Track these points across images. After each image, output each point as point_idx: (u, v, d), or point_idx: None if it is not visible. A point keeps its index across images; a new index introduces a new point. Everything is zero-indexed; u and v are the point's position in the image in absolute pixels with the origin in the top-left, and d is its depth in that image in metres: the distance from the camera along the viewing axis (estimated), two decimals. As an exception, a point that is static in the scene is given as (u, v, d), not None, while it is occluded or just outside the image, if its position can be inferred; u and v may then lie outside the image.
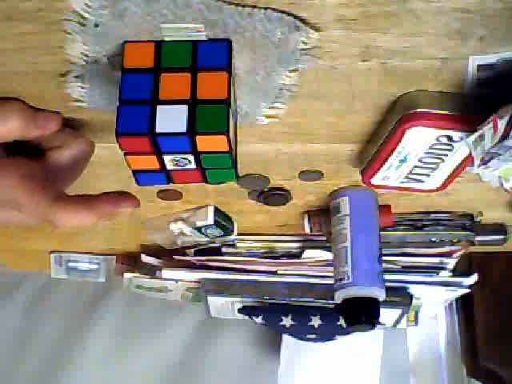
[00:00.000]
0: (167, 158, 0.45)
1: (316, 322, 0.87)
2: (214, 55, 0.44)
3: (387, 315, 0.86)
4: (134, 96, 0.44)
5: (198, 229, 0.73)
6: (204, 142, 0.44)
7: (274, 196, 0.69)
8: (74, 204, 0.50)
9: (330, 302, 0.83)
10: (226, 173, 0.48)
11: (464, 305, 0.96)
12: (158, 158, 0.45)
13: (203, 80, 0.44)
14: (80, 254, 0.93)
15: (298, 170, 0.65)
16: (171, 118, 0.43)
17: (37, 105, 0.52)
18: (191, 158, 0.45)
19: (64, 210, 0.49)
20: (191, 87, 0.44)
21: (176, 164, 0.46)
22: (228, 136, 0.43)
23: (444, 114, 0.52)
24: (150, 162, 0.46)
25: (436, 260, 0.81)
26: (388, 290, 0.67)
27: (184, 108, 0.43)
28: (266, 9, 0.43)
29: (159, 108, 0.43)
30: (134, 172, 0.47)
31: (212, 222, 0.72)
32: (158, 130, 0.43)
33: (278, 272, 0.82)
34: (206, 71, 0.44)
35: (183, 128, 0.43)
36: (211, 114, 0.43)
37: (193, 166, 0.46)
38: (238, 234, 0.79)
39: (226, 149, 0.44)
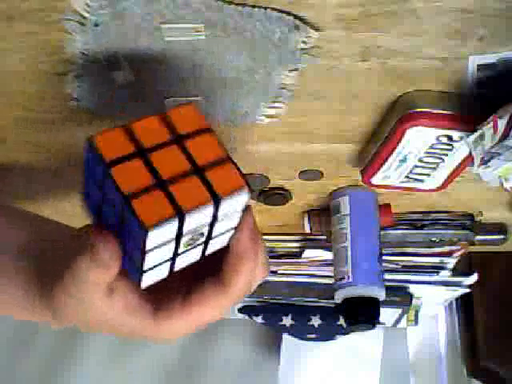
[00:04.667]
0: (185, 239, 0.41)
1: (316, 321, 0.87)
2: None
3: (387, 315, 0.86)
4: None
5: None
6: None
7: (274, 196, 0.69)
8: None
9: (330, 301, 0.83)
10: None
11: (464, 305, 0.96)
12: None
13: (193, 146, 0.40)
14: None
15: (298, 169, 0.65)
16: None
17: (37, 105, 0.53)
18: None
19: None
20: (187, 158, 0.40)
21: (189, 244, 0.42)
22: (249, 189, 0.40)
23: (444, 113, 0.52)
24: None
25: (436, 260, 0.81)
26: (388, 289, 0.67)
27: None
28: (265, 8, 0.43)
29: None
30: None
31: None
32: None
33: (278, 272, 0.82)
34: (191, 138, 0.40)
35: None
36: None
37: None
38: (238, 234, 0.78)
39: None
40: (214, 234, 0.41)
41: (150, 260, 0.39)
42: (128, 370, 0.94)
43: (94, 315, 0.41)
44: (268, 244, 0.82)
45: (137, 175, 0.38)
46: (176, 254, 0.41)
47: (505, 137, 0.48)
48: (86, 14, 0.44)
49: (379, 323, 0.70)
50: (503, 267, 0.94)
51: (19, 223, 0.48)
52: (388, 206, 0.72)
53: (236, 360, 0.94)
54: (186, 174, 0.39)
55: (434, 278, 0.81)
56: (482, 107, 0.51)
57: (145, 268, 0.40)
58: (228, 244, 0.43)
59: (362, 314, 0.66)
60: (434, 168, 0.59)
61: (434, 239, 0.77)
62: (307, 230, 0.75)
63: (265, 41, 0.46)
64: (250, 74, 0.50)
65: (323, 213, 0.73)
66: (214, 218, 0.40)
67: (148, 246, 0.38)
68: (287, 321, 0.87)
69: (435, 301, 0.88)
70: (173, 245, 0.40)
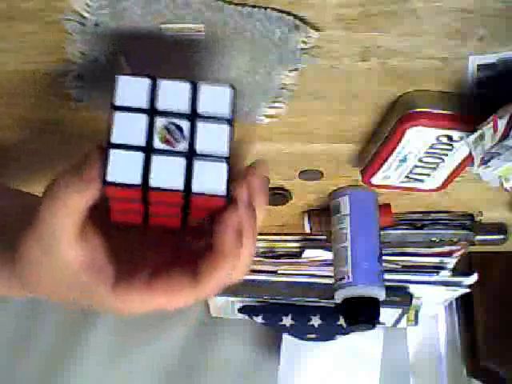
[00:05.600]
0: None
1: (316, 321, 0.87)
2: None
3: (387, 315, 0.86)
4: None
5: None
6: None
7: (274, 196, 0.69)
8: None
9: (330, 301, 0.83)
10: None
11: (464, 305, 0.96)
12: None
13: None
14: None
15: (298, 169, 0.65)
16: None
17: (37, 104, 0.53)
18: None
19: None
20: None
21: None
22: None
23: (444, 113, 0.52)
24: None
25: (436, 260, 0.81)
26: (388, 289, 0.67)
27: None
28: (265, 8, 0.43)
29: None
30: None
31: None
32: None
33: (278, 272, 0.82)
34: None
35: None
36: None
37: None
38: (238, 234, 0.78)
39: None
40: (197, 147, 0.38)
41: (120, 129, 0.38)
42: (128, 369, 0.93)
43: (56, 267, 0.40)
44: (268, 244, 0.82)
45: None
46: (150, 143, 0.38)
47: (505, 137, 0.48)
48: (86, 14, 0.44)
49: (379, 323, 0.70)
50: (503, 267, 0.94)
51: None
52: (388, 205, 0.72)
53: (236, 360, 0.94)
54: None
55: (434, 278, 0.81)
56: (482, 107, 0.51)
57: (114, 135, 0.38)
58: (208, 239, 0.40)
59: (362, 314, 0.66)
60: (434, 168, 0.59)
61: (434, 239, 0.77)
62: (307, 230, 0.75)
63: (265, 41, 0.46)
64: (250, 73, 0.50)
65: (323, 213, 0.73)
66: (193, 109, 0.39)
67: (118, 95, 0.39)
68: (287, 321, 0.87)
69: (435, 301, 0.88)
70: (145, 120, 0.38)
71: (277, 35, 0.46)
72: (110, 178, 0.37)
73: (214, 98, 0.39)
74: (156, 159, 0.38)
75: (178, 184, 0.38)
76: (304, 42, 0.46)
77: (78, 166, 0.39)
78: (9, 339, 0.94)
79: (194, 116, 0.39)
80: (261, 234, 0.81)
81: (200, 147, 0.38)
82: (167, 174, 0.38)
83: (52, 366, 0.93)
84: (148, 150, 0.38)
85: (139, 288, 0.41)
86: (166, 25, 0.45)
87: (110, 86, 0.43)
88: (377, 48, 0.47)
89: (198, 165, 0.38)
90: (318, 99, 0.53)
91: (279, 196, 0.70)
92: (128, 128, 0.38)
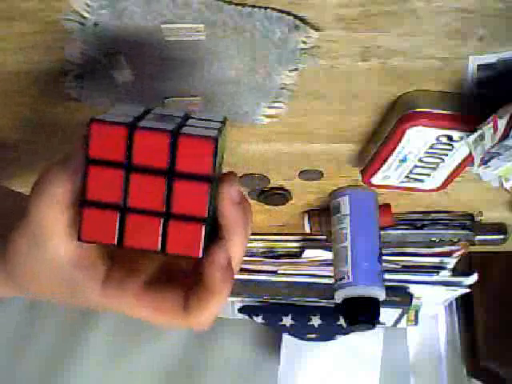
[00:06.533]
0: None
1: (316, 321, 0.87)
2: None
3: (387, 315, 0.86)
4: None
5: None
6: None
7: (274, 196, 0.69)
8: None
9: (330, 301, 0.83)
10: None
11: (464, 305, 0.97)
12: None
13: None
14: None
15: (298, 169, 0.65)
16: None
17: (37, 104, 0.53)
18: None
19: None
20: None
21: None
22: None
23: (444, 113, 0.52)
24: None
25: (436, 260, 0.81)
26: (388, 289, 0.67)
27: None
28: (265, 8, 0.43)
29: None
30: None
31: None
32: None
33: (278, 272, 0.82)
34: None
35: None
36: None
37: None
38: (238, 234, 0.78)
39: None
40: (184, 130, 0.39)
41: (113, 113, 0.39)
42: (128, 369, 0.93)
43: (46, 262, 0.40)
44: (268, 244, 0.82)
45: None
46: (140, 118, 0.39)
47: (505, 137, 0.48)
48: (86, 14, 0.44)
49: (379, 323, 0.70)
50: (503, 267, 0.94)
51: None
52: (388, 206, 0.72)
53: (236, 360, 0.94)
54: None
55: (434, 278, 0.81)
56: (482, 107, 0.51)
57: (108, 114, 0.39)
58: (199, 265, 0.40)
59: (362, 313, 0.66)
60: (434, 168, 0.59)
61: (434, 239, 0.77)
62: (307, 230, 0.75)
63: (265, 41, 0.46)
64: (250, 73, 0.50)
65: (323, 213, 0.73)
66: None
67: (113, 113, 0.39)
68: (287, 321, 0.87)
69: (435, 301, 0.88)
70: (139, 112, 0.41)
71: (277, 35, 0.46)
72: (98, 117, 0.38)
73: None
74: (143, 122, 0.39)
75: (167, 127, 0.38)
76: (304, 42, 0.46)
77: (63, 160, 0.39)
78: (9, 339, 0.94)
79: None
80: (261, 234, 0.81)
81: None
82: (156, 124, 0.39)
83: (52, 365, 0.92)
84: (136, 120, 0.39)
85: (129, 294, 0.41)
86: (165, 25, 0.45)
87: (110, 86, 0.43)
88: (377, 48, 0.47)
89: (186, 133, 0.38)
90: (317, 99, 0.53)
91: (279, 196, 0.70)
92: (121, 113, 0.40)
